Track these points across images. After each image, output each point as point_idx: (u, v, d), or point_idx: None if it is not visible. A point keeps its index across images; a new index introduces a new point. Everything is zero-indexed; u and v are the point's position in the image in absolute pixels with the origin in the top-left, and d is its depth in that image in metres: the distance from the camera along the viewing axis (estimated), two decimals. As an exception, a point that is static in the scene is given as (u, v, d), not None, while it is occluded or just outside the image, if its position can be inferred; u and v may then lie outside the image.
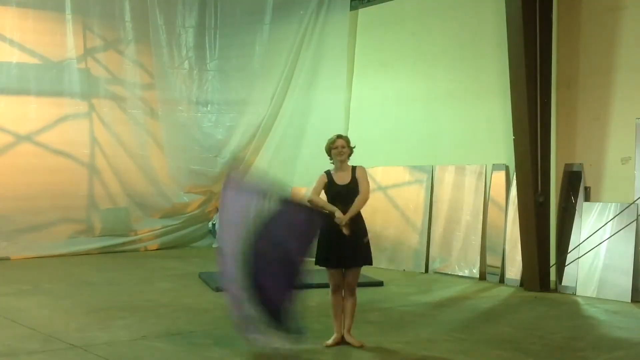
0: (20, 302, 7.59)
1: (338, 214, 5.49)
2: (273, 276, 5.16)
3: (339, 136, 5.83)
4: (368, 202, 5.68)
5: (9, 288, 8.41)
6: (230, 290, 5.29)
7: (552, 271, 8.59)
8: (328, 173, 5.77)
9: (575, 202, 8.63)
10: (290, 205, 5.34)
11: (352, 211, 5.53)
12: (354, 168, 5.73)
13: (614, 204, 8.28)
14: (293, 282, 5.20)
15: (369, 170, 6.07)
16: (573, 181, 8.73)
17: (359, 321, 6.00)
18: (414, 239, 10.36)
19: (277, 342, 5.18)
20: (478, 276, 9.44)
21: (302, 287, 5.27)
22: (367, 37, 11.85)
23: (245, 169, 5.39)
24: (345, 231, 5.49)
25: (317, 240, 5.74)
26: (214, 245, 13.23)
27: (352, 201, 5.56)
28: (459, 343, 5.95)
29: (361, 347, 5.63)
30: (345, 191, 5.62)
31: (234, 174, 5.70)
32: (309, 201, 5.69)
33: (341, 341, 5.68)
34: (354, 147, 5.82)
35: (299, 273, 5.22)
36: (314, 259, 5.65)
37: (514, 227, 8.94)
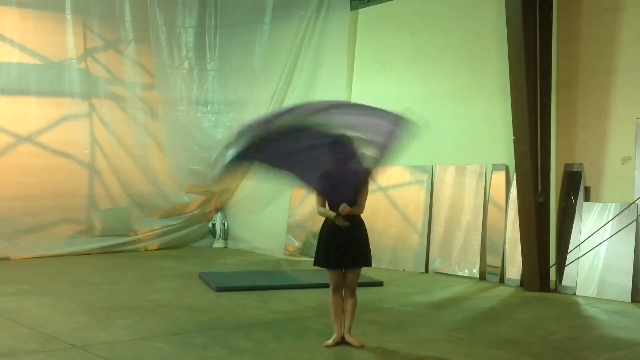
0: (20, 302, 7.58)
1: (343, 206, 5.48)
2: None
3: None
4: (368, 203, 5.67)
5: (9, 288, 8.40)
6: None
7: (552, 271, 8.59)
8: (328, 173, 5.76)
9: (575, 202, 8.63)
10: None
11: (351, 210, 5.51)
12: (355, 170, 5.71)
13: (614, 204, 8.28)
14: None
15: (369, 170, 6.05)
16: (573, 181, 8.73)
17: (359, 321, 6.00)
18: (414, 239, 10.36)
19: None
20: (478, 276, 9.44)
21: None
22: (367, 37, 11.85)
23: None
24: (339, 222, 5.49)
25: (317, 241, 5.76)
26: (214, 245, 13.26)
27: (350, 203, 5.55)
28: (459, 343, 5.95)
29: (361, 347, 5.63)
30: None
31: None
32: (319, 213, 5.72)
33: (341, 341, 5.69)
34: (357, 148, 5.80)
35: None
36: (313, 258, 5.69)
37: (514, 227, 8.94)
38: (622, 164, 8.39)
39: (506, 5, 8.41)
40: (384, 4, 11.46)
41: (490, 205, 9.57)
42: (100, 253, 11.85)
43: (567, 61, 8.89)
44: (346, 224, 5.49)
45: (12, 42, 11.58)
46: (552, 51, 8.68)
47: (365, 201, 5.61)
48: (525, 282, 8.68)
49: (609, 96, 8.54)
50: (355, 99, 11.90)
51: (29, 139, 11.64)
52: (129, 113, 12.68)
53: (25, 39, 11.68)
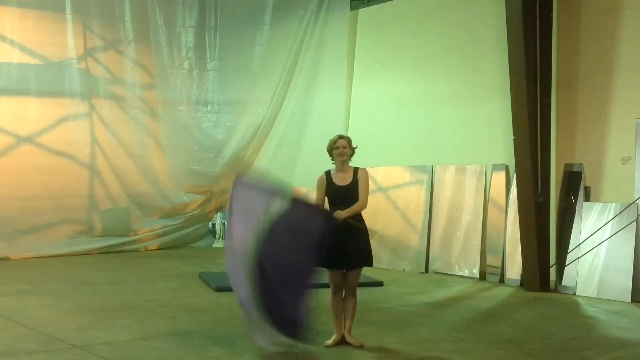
0: (20, 302, 7.58)
1: (337, 213, 5.47)
2: (282, 281, 5.18)
3: (341, 136, 5.80)
4: (368, 203, 5.67)
5: (9, 288, 8.41)
6: (239, 292, 5.36)
7: (552, 271, 8.59)
8: (327, 173, 5.75)
9: (575, 202, 8.63)
10: (298, 207, 5.32)
11: (349, 211, 5.50)
12: (356, 170, 5.70)
13: (614, 204, 8.28)
14: (302, 286, 5.20)
15: (370, 171, 6.05)
16: (573, 181, 8.73)
17: (359, 321, 5.99)
18: (414, 239, 10.36)
19: (280, 342, 5.28)
20: (478, 276, 9.44)
21: (311, 288, 5.24)
22: (367, 37, 11.86)
23: (248, 169, 5.44)
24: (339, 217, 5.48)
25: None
26: (214, 245, 13.26)
27: (352, 203, 5.55)
28: (459, 343, 5.95)
29: (361, 347, 5.63)
30: (345, 192, 5.59)
31: (242, 175, 5.72)
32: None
33: (341, 341, 5.68)
34: (356, 148, 5.80)
35: (309, 277, 5.21)
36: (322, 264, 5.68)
37: (514, 227, 8.94)
38: (622, 164, 8.39)
39: (506, 5, 8.41)
40: (384, 3, 11.47)
41: (490, 205, 9.57)
42: (100, 253, 11.86)
43: (567, 61, 8.89)
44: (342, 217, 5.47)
45: (12, 42, 11.60)
46: (552, 51, 8.68)
47: (366, 196, 5.60)
48: (525, 282, 8.68)
49: (609, 96, 8.54)
50: (355, 99, 11.95)
51: (29, 139, 11.65)
52: (129, 113, 12.69)
53: (25, 39, 11.69)
